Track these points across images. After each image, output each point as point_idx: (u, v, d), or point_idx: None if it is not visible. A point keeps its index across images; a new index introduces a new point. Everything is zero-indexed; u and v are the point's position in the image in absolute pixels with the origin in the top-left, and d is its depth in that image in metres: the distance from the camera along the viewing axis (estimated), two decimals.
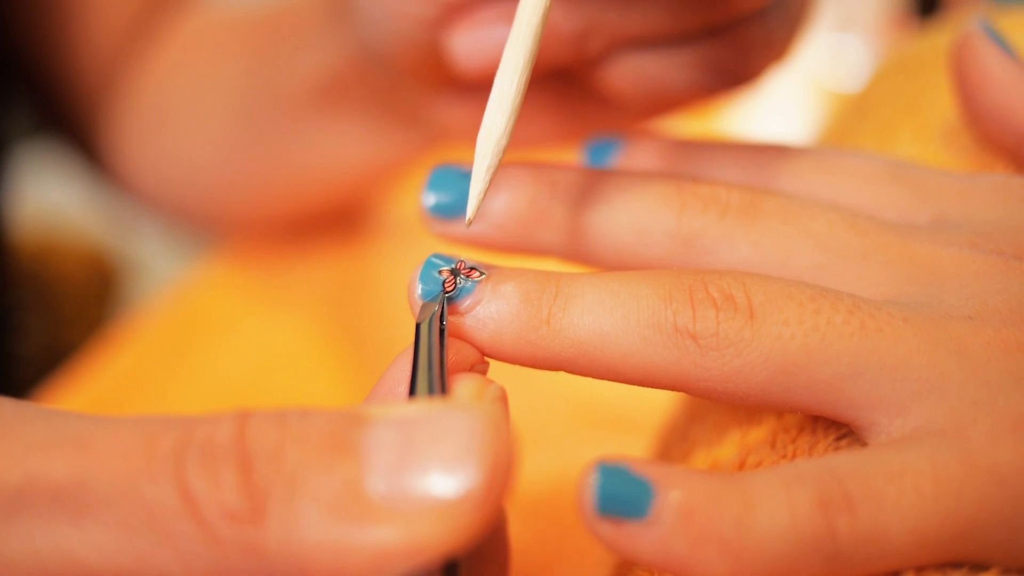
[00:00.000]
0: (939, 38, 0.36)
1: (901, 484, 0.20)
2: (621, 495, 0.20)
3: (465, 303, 0.24)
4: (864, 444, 0.23)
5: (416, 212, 0.28)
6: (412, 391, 0.22)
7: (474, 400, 0.20)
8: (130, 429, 0.19)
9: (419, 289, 0.25)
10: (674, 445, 0.30)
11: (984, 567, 0.21)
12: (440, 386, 0.22)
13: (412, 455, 0.18)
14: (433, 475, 0.18)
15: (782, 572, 0.20)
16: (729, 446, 0.26)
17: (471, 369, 0.24)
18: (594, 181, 0.27)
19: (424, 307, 0.24)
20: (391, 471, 0.18)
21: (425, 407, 0.19)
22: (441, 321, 0.24)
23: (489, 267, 0.25)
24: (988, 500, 0.20)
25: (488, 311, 0.24)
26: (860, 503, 0.20)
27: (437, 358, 0.22)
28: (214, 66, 0.56)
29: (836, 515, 0.20)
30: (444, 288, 0.24)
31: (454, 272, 0.25)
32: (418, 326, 0.23)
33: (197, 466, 0.19)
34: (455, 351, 0.24)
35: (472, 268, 0.25)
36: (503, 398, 0.22)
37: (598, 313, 0.24)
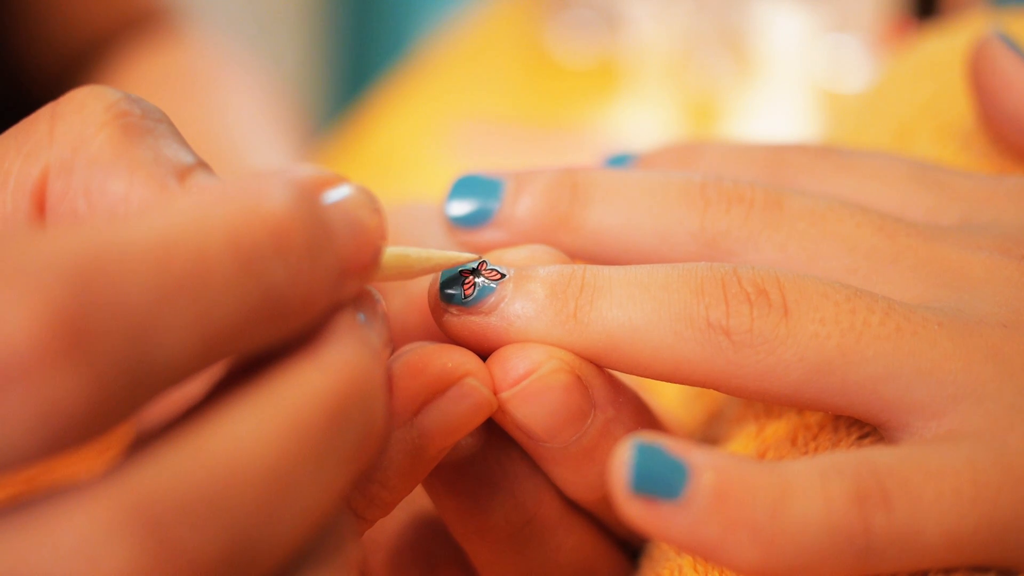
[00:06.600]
0: (953, 39, 0.35)
1: (940, 484, 0.20)
2: (655, 474, 0.20)
3: (489, 301, 0.24)
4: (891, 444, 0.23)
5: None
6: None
7: None
8: None
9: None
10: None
11: (1012, 573, 0.21)
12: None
13: None
14: None
15: (812, 563, 0.20)
16: (747, 440, 0.26)
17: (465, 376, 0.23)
18: (615, 182, 0.27)
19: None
20: None
21: None
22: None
23: (511, 267, 0.24)
24: None
25: (514, 308, 0.24)
26: (897, 500, 0.20)
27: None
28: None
29: (872, 510, 0.20)
30: (463, 277, 0.24)
31: (474, 272, 0.24)
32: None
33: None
34: (455, 356, 0.23)
35: (493, 269, 0.24)
36: None
37: (627, 306, 0.23)
